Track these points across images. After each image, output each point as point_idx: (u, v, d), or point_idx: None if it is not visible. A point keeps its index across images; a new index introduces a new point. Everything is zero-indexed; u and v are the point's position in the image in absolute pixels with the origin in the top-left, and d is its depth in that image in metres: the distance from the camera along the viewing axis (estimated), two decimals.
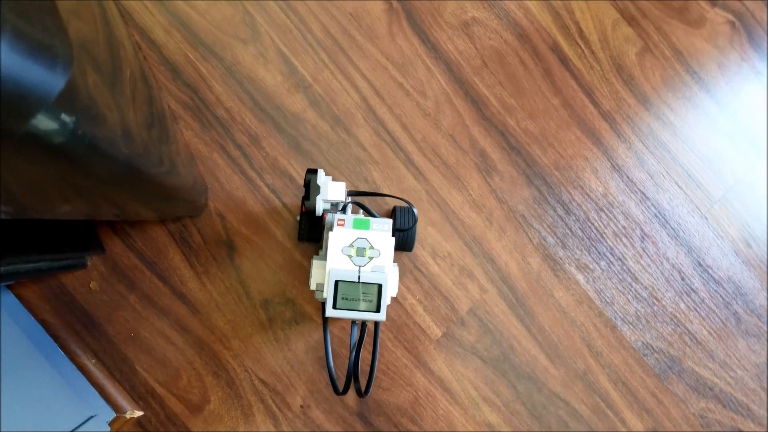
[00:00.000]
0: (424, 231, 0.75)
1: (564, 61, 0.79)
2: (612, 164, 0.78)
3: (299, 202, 0.74)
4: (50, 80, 0.26)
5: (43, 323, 0.71)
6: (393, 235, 0.56)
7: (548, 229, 0.77)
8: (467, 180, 0.76)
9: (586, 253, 0.77)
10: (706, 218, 0.79)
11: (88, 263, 0.73)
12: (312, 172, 0.61)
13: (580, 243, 0.77)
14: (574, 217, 0.77)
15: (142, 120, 0.61)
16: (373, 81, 0.76)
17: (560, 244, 0.77)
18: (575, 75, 0.79)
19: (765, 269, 0.79)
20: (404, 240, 0.71)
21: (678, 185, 0.79)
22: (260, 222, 0.74)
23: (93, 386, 0.71)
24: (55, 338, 0.71)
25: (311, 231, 0.70)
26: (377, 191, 0.75)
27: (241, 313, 0.73)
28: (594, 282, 0.77)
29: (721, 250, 0.78)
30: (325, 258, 0.56)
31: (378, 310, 0.53)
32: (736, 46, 0.81)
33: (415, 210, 0.63)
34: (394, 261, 0.67)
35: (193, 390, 0.73)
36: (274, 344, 0.74)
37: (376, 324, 0.58)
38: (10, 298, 0.71)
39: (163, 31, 0.75)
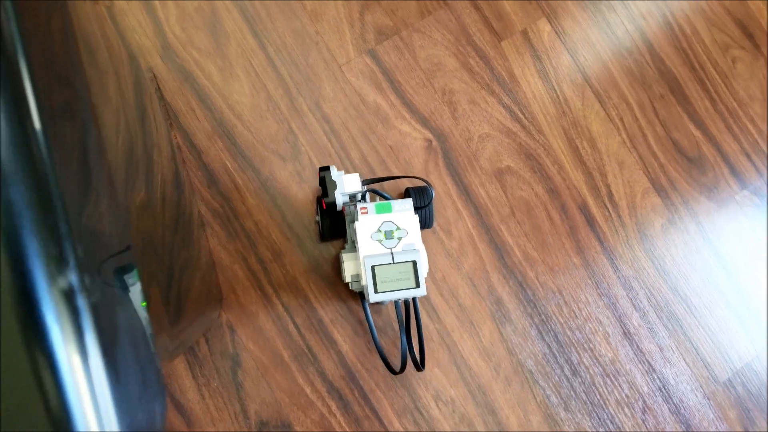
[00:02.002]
0: (430, 373, 0.75)
1: (590, 221, 0.80)
2: (624, 331, 0.79)
3: (310, 324, 0.74)
4: None
5: None
6: (415, 213, 0.59)
7: (553, 388, 0.77)
8: (480, 326, 0.77)
9: (587, 418, 0.77)
10: (709, 399, 0.79)
11: None
12: (325, 169, 0.63)
13: (583, 407, 0.77)
14: (580, 380, 0.77)
15: (168, 222, 0.62)
16: None
17: (563, 405, 0.76)
18: (599, 237, 0.80)
19: None
20: (423, 218, 0.72)
21: (686, 362, 0.79)
22: (269, 340, 0.74)
23: None
24: None
25: (333, 228, 0.69)
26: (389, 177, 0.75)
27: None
28: None
29: None
30: (353, 249, 0.59)
31: (418, 285, 0.56)
32: (757, 229, 0.82)
33: (430, 186, 0.65)
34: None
35: None
36: None
37: (414, 300, 0.60)
38: None
39: (206, 137, 0.76)
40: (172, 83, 0.76)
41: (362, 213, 0.58)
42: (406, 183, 0.76)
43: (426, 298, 0.76)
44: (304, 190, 0.76)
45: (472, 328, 0.76)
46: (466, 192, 0.79)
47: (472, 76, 0.81)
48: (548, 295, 0.78)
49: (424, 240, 0.77)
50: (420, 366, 0.59)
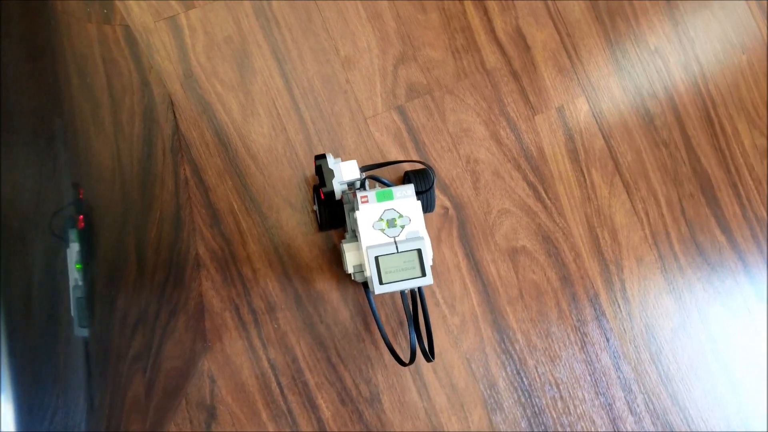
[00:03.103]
0: None
1: (600, 316, 0.77)
2: None
3: (294, 386, 0.71)
4: None
5: None
6: (417, 199, 0.56)
7: None
8: (470, 410, 0.73)
9: None
10: None
11: None
12: (321, 157, 0.60)
13: None
14: None
15: (160, 263, 0.59)
16: None
17: None
18: (606, 334, 0.77)
19: None
20: (425, 202, 0.69)
21: None
22: (249, 396, 0.70)
23: None
24: None
25: (332, 218, 0.67)
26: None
27: None
28: None
29: None
30: (354, 239, 0.57)
31: (424, 274, 0.54)
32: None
33: (430, 168, 0.63)
34: None
35: None
36: None
37: (420, 290, 0.57)
38: None
39: (216, 174, 0.73)
40: (189, 113, 0.72)
41: (363, 202, 0.55)
42: (406, 168, 0.72)
43: (418, 373, 0.73)
44: (308, 244, 0.73)
45: (462, 412, 0.73)
46: (476, 267, 0.76)
47: (500, 147, 0.77)
48: (545, 386, 0.75)
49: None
50: (430, 356, 0.57)
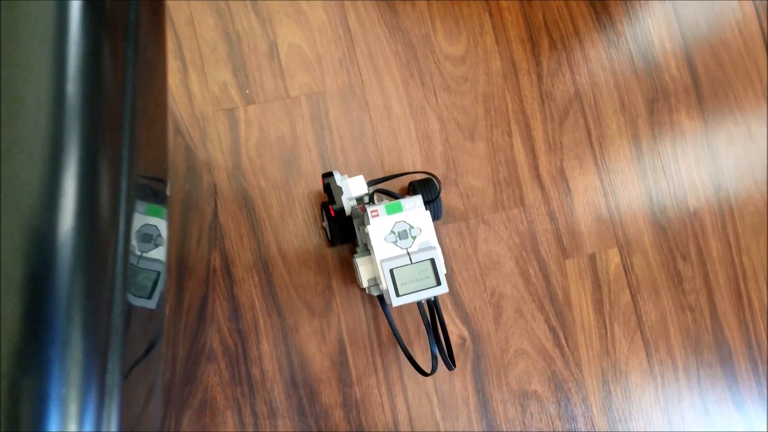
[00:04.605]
0: None
1: None
2: None
3: None
4: None
5: None
6: (426, 209, 0.57)
7: None
8: None
9: None
10: None
11: None
12: (328, 175, 0.61)
13: None
14: None
15: (179, 358, 0.58)
16: (412, 406, 0.73)
17: None
18: None
19: None
20: (432, 211, 0.69)
21: None
22: None
23: None
24: None
25: (342, 233, 0.67)
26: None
27: None
28: None
29: None
30: (366, 252, 0.58)
31: (439, 283, 0.55)
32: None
33: (435, 177, 0.63)
34: None
35: None
36: None
37: (435, 299, 0.57)
38: None
39: (244, 268, 0.73)
40: (231, 204, 0.74)
41: (373, 216, 0.56)
42: (410, 179, 0.73)
43: None
44: (322, 353, 0.73)
45: None
46: (484, 406, 0.74)
47: (527, 286, 0.77)
48: None
49: None
50: (452, 365, 0.57)
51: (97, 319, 0.21)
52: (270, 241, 0.74)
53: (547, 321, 0.77)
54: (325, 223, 0.70)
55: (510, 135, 0.79)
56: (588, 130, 0.81)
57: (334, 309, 0.74)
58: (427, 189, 0.71)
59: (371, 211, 0.57)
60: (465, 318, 0.76)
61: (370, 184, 0.66)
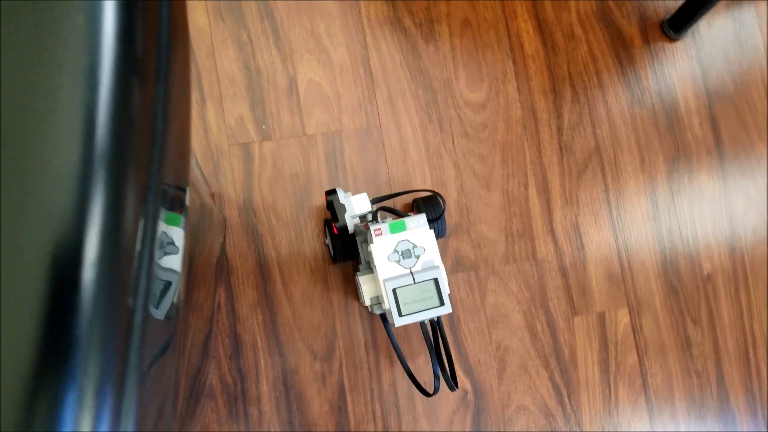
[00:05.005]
0: None
1: None
2: None
3: None
4: None
5: None
6: (430, 228, 0.56)
7: None
8: None
9: None
10: None
11: None
12: (332, 192, 0.61)
13: None
14: None
15: (179, 395, 0.57)
16: None
17: None
18: None
19: None
20: (436, 230, 0.68)
21: None
22: None
23: None
24: None
25: (345, 250, 0.66)
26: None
27: None
28: None
29: None
30: (369, 270, 0.57)
31: (442, 303, 0.54)
32: None
33: (440, 196, 0.62)
34: None
35: None
36: None
37: (438, 319, 0.56)
38: None
39: (248, 306, 0.72)
40: (239, 240, 0.73)
41: (376, 235, 0.56)
42: (415, 195, 0.72)
43: None
44: (321, 396, 0.72)
45: None
46: None
47: (533, 341, 0.76)
48: None
49: None
50: (454, 386, 0.56)
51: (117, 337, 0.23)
52: (276, 280, 0.73)
53: (551, 378, 0.76)
54: (328, 241, 0.70)
55: (526, 186, 0.78)
56: (606, 186, 0.80)
57: (336, 353, 0.73)
58: (431, 207, 0.70)
59: (374, 230, 0.56)
60: (468, 370, 0.75)
61: (373, 201, 0.65)
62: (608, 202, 0.79)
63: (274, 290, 0.73)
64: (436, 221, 0.69)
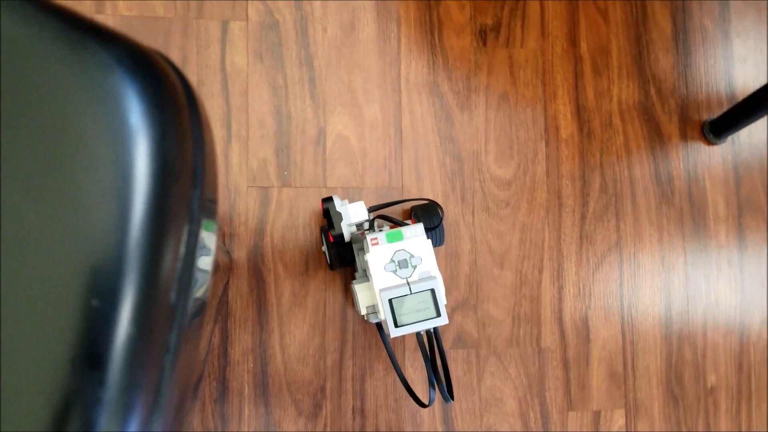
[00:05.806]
0: None
1: None
2: None
3: None
4: None
5: None
6: (427, 237, 0.55)
7: None
8: None
9: None
10: None
11: None
12: (328, 200, 0.59)
13: None
14: None
15: None
16: None
17: None
18: None
19: None
20: (434, 238, 0.68)
21: None
22: None
23: None
24: None
25: (342, 257, 0.65)
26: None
27: None
28: None
29: None
30: (365, 278, 0.56)
31: (439, 315, 0.53)
32: None
33: (437, 204, 0.61)
34: None
35: None
36: None
37: (435, 330, 0.55)
38: None
39: (241, 352, 0.71)
40: (242, 284, 0.72)
41: (373, 244, 0.55)
42: (413, 203, 0.71)
43: None
44: None
45: None
46: None
47: (524, 430, 0.74)
48: None
49: None
50: (449, 397, 0.55)
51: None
52: (273, 329, 0.72)
53: None
54: (324, 248, 0.69)
55: (540, 270, 0.77)
56: (621, 283, 0.78)
57: (322, 412, 0.71)
58: (428, 216, 0.69)
59: (371, 239, 0.55)
60: None
61: (370, 209, 0.64)
62: (621, 299, 0.77)
63: (269, 340, 0.72)
64: (433, 230, 0.68)
